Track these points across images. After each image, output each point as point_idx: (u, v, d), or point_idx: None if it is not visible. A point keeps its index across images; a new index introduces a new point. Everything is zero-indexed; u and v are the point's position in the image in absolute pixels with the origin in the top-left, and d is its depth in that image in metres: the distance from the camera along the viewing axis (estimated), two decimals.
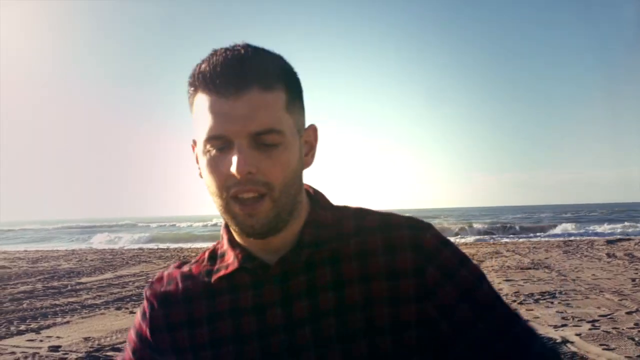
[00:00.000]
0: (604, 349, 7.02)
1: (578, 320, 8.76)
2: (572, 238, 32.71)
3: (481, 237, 37.82)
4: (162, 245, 36.16)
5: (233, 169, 1.02)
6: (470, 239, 36.38)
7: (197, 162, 1.13)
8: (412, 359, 1.12)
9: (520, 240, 32.86)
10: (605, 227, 39.84)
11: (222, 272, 1.19)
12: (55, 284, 14.95)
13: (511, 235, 37.68)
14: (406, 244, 1.14)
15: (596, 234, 36.16)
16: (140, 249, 32.17)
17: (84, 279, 15.99)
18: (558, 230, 40.18)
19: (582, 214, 71.21)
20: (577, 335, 7.80)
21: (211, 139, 1.04)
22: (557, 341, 7.46)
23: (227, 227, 1.22)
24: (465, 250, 23.15)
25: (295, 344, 1.09)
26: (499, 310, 1.16)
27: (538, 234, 38.32)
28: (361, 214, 1.22)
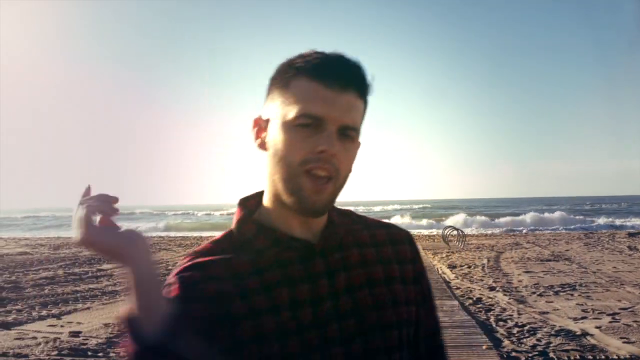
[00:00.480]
0: (624, 342, 6.96)
1: (598, 313, 8.69)
2: (593, 230, 32.43)
3: (501, 228, 37.62)
4: (179, 234, 36.49)
5: (324, 147, 1.15)
6: (490, 230, 36.20)
7: (259, 134, 1.25)
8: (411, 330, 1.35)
9: (541, 231, 32.65)
10: (631, 220, 39.43)
11: (269, 253, 1.26)
12: (77, 270, 15.15)
13: (531, 227, 37.43)
14: (404, 239, 1.41)
15: (614, 226, 35.84)
16: (160, 236, 32.45)
17: (104, 266, 16.16)
18: (579, 221, 39.85)
19: (602, 206, 70.47)
20: (597, 327, 7.74)
21: (306, 116, 1.16)
22: (577, 333, 7.40)
23: (249, 215, 1.31)
24: (485, 242, 23.13)
25: (339, 311, 1.23)
26: (437, 313, 1.48)
27: (557, 225, 38.04)
28: (358, 214, 1.45)
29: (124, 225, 1.17)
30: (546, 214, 44.84)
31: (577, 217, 43.65)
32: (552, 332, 7.48)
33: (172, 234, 37.02)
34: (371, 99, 1.27)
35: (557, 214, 44.44)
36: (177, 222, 49.02)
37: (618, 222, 38.89)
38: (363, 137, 1.26)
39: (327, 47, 1.21)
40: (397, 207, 72.83)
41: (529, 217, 43.01)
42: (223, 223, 47.04)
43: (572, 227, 36.79)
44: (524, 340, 7.14)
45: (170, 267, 15.70)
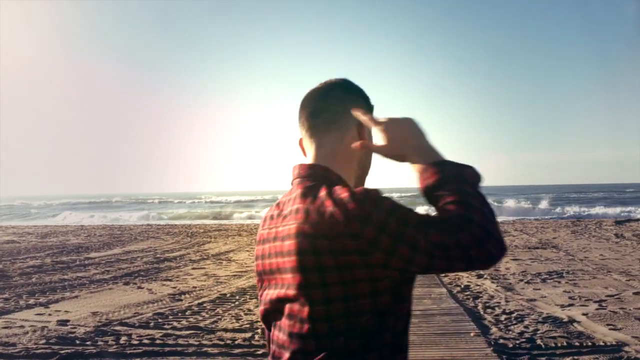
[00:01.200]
0: (610, 329, 7.02)
1: (585, 300, 8.75)
2: (580, 218, 32.63)
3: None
4: (161, 222, 36.40)
5: None
6: None
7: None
8: None
9: (528, 219, 32.81)
10: (617, 210, 39.66)
11: None
12: (64, 258, 15.07)
13: (519, 215, 37.60)
14: None
15: (604, 214, 36.06)
16: (148, 224, 32.32)
17: (92, 254, 16.10)
18: (567, 210, 40.06)
19: (592, 194, 70.91)
20: (584, 315, 7.80)
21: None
22: (564, 320, 7.45)
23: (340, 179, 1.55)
24: None
25: None
26: None
27: (545, 213, 38.23)
28: None
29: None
30: (534, 202, 45.03)
31: (565, 205, 43.85)
32: (540, 319, 7.53)
33: (155, 222, 36.93)
34: (364, 84, 1.59)
35: (546, 202, 44.68)
36: (176, 211, 48.64)
37: (606, 210, 39.12)
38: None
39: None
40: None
41: (517, 204, 43.18)
42: (207, 212, 46.90)
43: (561, 215, 37.00)
44: (512, 327, 7.18)
45: (158, 255, 15.68)
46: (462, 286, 10.00)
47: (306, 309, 1.36)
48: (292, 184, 1.53)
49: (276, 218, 1.49)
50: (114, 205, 69.13)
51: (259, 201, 62.86)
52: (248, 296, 9.52)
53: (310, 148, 1.55)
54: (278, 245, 1.44)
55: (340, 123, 1.53)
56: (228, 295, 9.67)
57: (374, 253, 1.29)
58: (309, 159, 1.54)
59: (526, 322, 7.39)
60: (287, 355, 1.41)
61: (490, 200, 1.32)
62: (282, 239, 1.42)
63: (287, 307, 1.41)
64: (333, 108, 1.53)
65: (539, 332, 6.91)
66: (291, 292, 1.39)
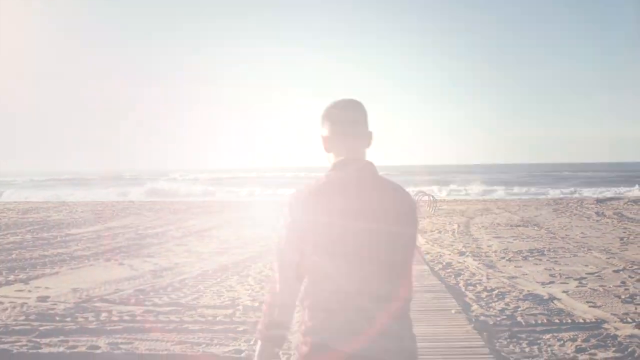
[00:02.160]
0: (590, 306, 7.08)
1: (565, 278, 8.82)
2: (562, 196, 32.92)
3: (473, 193, 37.95)
4: (144, 199, 36.20)
5: None
6: (462, 195, 36.52)
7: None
8: None
9: (511, 197, 33.04)
10: (598, 188, 40.00)
11: None
12: (45, 235, 14.93)
13: (501, 193, 37.81)
14: None
15: (586, 193, 36.39)
16: (130, 201, 32.15)
17: (73, 231, 15.98)
18: (549, 188, 40.34)
19: (573, 173, 71.52)
20: (564, 292, 7.86)
21: None
22: (544, 298, 7.51)
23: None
24: (456, 207, 23.34)
25: None
26: None
27: (529, 192, 38.48)
28: None
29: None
30: (516, 180, 45.31)
31: (547, 183, 44.17)
32: (520, 297, 7.58)
33: (137, 199, 36.66)
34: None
35: (527, 180, 44.99)
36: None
37: (587, 189, 39.48)
38: None
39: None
40: None
41: (499, 183, 43.42)
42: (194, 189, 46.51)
43: (544, 193, 37.25)
44: (493, 304, 7.22)
45: (140, 231, 15.58)
46: (444, 263, 10.04)
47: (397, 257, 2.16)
48: (353, 169, 2.05)
49: (360, 191, 1.99)
50: (91, 183, 67.94)
51: (238, 178, 62.42)
52: (230, 273, 9.50)
53: (344, 146, 2.08)
54: (371, 209, 1.98)
55: (366, 134, 2.11)
56: (210, 271, 9.63)
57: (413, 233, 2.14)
58: (350, 154, 2.07)
59: (507, 300, 7.44)
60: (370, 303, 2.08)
61: None
62: (381, 210, 1.99)
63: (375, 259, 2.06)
64: (361, 122, 2.12)
65: (519, 309, 6.95)
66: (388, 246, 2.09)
